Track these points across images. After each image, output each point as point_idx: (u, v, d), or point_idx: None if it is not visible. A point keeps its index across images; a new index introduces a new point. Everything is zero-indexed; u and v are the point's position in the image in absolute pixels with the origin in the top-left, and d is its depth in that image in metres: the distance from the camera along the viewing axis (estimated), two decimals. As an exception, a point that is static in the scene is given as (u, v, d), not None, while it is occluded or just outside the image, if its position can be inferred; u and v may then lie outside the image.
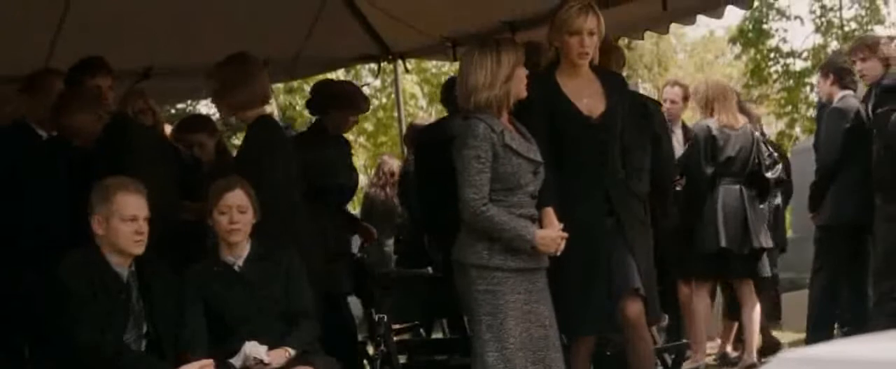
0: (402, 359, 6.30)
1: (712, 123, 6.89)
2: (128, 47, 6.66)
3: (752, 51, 17.05)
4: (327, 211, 6.28)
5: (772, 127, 18.59)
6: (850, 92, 7.07)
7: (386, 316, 5.99)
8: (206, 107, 17.43)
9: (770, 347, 7.37)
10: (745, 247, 6.88)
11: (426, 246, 7.21)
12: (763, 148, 7.15)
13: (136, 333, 4.66)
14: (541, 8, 6.67)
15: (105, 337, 4.52)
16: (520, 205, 4.64)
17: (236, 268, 4.86)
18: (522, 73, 4.70)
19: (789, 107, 16.85)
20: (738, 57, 18.25)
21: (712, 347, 7.64)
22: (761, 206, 7.12)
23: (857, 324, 6.88)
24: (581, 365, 4.99)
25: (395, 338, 6.27)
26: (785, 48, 16.83)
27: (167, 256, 4.88)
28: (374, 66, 8.46)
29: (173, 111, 15.51)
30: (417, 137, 6.43)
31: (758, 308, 7.14)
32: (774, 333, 9.18)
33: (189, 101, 15.07)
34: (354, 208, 9.47)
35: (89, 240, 4.64)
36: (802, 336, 7.60)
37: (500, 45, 4.74)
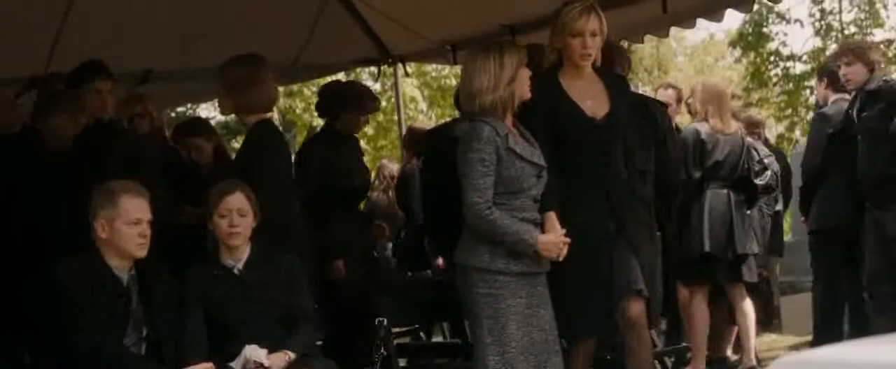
0: (402, 363, 6.30)
1: (703, 127, 6.85)
2: (128, 51, 6.66)
3: (752, 54, 17.08)
4: (343, 212, 6.32)
5: (772, 130, 18.61)
6: (844, 95, 7.07)
7: (385, 320, 5.99)
8: (206, 111, 17.45)
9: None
10: (729, 251, 6.86)
11: (426, 248, 7.22)
12: (754, 153, 7.14)
13: (136, 337, 4.65)
14: (541, 11, 6.68)
15: (105, 342, 4.51)
16: (523, 209, 4.64)
17: (236, 271, 4.86)
18: (526, 75, 4.69)
19: (789, 111, 16.87)
20: (738, 60, 18.28)
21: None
22: (748, 212, 7.10)
23: (856, 328, 6.87)
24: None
25: (395, 342, 6.28)
26: (785, 51, 16.85)
27: (166, 260, 4.88)
28: (374, 69, 8.47)
29: (173, 114, 15.53)
30: (426, 138, 6.44)
31: (751, 310, 7.14)
32: (774, 336, 9.18)
33: (189, 105, 15.06)
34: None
35: (90, 244, 4.64)
36: (803, 339, 7.61)
37: (502, 47, 4.74)
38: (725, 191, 6.89)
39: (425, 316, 6.94)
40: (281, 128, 6.43)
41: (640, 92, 15.94)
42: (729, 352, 7.59)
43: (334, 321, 6.26)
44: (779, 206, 7.74)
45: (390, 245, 8.63)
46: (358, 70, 14.34)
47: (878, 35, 16.38)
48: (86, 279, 4.55)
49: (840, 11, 16.29)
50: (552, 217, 4.69)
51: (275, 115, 20.51)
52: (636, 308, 4.87)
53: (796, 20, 16.69)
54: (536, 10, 6.70)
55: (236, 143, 14.10)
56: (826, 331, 6.95)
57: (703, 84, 7.31)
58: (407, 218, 7.66)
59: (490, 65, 4.64)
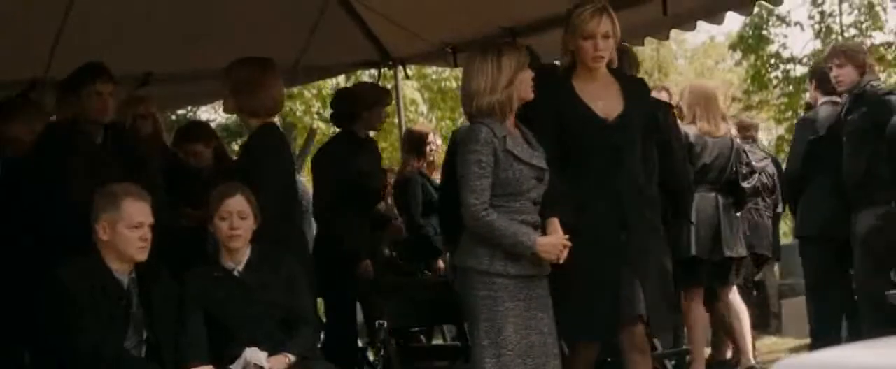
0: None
1: (691, 130, 6.84)
2: (128, 53, 6.66)
3: (753, 57, 17.08)
4: (362, 214, 6.35)
5: (772, 132, 18.61)
6: (833, 98, 7.05)
7: (386, 322, 5.99)
8: (207, 113, 17.47)
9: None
10: (715, 254, 6.85)
11: (435, 246, 7.27)
12: (743, 156, 7.13)
13: (137, 339, 4.66)
14: (541, 13, 6.69)
15: (105, 344, 4.52)
16: (522, 212, 4.63)
17: (236, 273, 4.87)
18: (526, 77, 4.67)
19: (789, 113, 16.87)
20: (738, 63, 18.28)
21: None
22: (737, 215, 7.10)
23: (853, 331, 6.87)
24: None
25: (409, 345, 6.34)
26: (785, 54, 16.86)
27: (166, 262, 4.88)
28: (374, 71, 8.46)
29: (174, 117, 15.54)
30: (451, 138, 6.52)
31: (744, 311, 7.14)
32: (774, 339, 9.19)
33: (189, 107, 15.08)
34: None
35: (92, 247, 4.65)
36: (803, 341, 7.62)
37: (501, 49, 4.72)
38: (713, 194, 6.88)
39: (426, 319, 6.94)
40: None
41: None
42: (729, 355, 7.59)
43: (339, 323, 6.30)
44: (779, 209, 7.75)
45: (386, 250, 8.63)
46: (358, 72, 14.34)
47: (878, 38, 16.40)
48: (86, 281, 4.56)
49: (840, 14, 16.30)
50: (555, 222, 4.67)
51: (276, 118, 20.55)
52: (639, 333, 4.82)
53: (796, 23, 16.71)
54: (537, 12, 6.70)
55: (236, 145, 14.09)
56: (822, 335, 6.95)
57: (690, 87, 7.31)
58: (407, 221, 7.65)
59: (487, 67, 4.64)
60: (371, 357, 6.74)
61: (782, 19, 16.77)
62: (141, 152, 5.80)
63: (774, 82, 16.92)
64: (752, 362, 7.17)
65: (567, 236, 4.62)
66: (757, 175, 7.29)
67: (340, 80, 18.06)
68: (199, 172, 6.26)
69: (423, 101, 16.26)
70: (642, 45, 7.65)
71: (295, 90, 17.41)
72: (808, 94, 8.09)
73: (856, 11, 16.66)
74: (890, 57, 15.86)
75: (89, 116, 5.46)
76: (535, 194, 4.66)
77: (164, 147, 6.55)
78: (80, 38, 6.64)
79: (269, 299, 4.84)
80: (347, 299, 6.46)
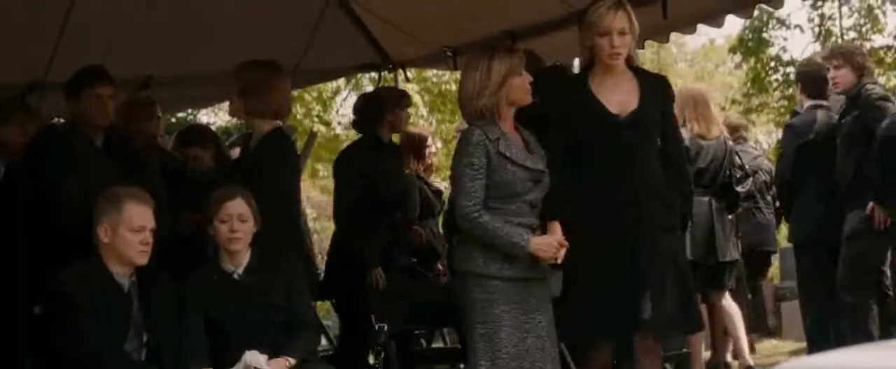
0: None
1: (683, 133, 6.84)
2: (128, 56, 6.66)
3: (753, 60, 17.05)
4: (381, 220, 6.38)
5: (772, 135, 18.59)
6: (818, 102, 7.04)
7: (386, 325, 5.98)
8: (207, 117, 17.46)
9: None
10: (710, 258, 6.85)
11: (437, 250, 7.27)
12: (736, 159, 7.12)
13: (137, 343, 4.66)
14: (542, 17, 6.69)
15: (106, 347, 4.52)
16: (518, 214, 4.63)
17: (236, 276, 4.87)
18: (519, 81, 4.66)
19: (789, 116, 16.81)
20: (738, 66, 18.25)
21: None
22: (729, 218, 7.10)
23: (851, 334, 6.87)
24: None
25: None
26: (785, 57, 16.83)
27: (166, 265, 4.88)
28: (374, 75, 8.46)
29: (174, 120, 15.52)
30: None
31: (738, 313, 7.14)
32: (774, 342, 9.19)
33: (190, 110, 15.07)
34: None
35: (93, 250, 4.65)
36: (803, 344, 7.61)
37: (493, 54, 4.72)
38: (707, 198, 6.88)
39: (426, 322, 6.93)
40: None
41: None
42: (728, 357, 7.60)
43: (348, 329, 6.30)
44: (778, 204, 7.75)
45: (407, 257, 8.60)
46: (358, 76, 14.33)
47: (878, 41, 16.38)
48: (87, 284, 4.57)
49: (840, 17, 16.28)
50: (555, 225, 4.65)
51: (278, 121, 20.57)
52: (649, 340, 4.77)
53: (796, 25, 16.68)
54: (537, 15, 6.70)
55: (236, 150, 14.09)
56: (818, 339, 6.95)
57: (680, 90, 7.30)
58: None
59: (477, 71, 4.66)
60: (371, 360, 6.73)
61: (782, 22, 16.74)
62: (141, 155, 5.80)
63: (774, 85, 16.89)
64: (750, 362, 7.17)
65: (572, 237, 4.59)
66: (750, 179, 7.28)
67: (341, 83, 18.10)
68: (200, 176, 6.26)
69: (423, 104, 16.25)
70: (642, 48, 7.63)
71: (295, 93, 17.39)
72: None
73: (855, 14, 16.64)
74: (889, 60, 15.85)
75: (89, 119, 5.46)
76: (531, 197, 4.66)
77: (162, 150, 6.56)
78: (80, 41, 6.64)
79: (268, 302, 4.85)
80: (356, 304, 6.49)
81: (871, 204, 6.51)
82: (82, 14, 6.58)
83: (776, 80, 17.00)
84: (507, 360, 4.60)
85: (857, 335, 6.49)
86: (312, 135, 20.85)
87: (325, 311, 8.26)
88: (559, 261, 4.61)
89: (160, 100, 6.76)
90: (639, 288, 4.63)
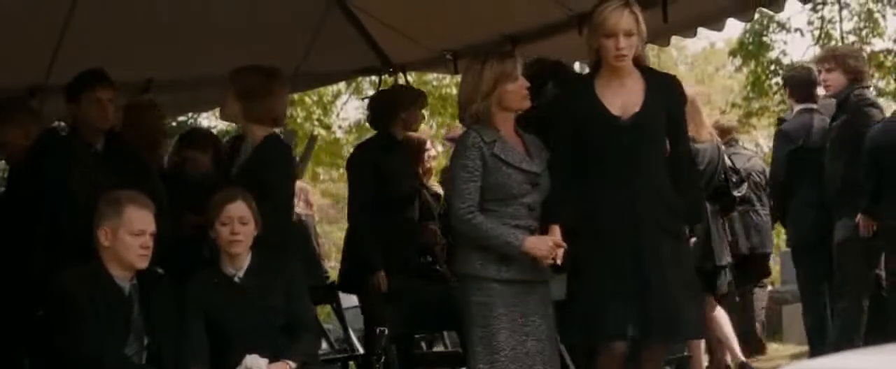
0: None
1: None
2: (129, 59, 6.67)
3: (753, 63, 17.06)
4: (392, 219, 6.39)
5: (772, 139, 18.58)
6: (807, 105, 7.03)
7: (386, 329, 5.99)
8: (207, 120, 17.46)
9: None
10: (707, 263, 6.84)
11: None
12: (730, 162, 7.11)
13: (138, 346, 4.66)
14: (541, 21, 6.69)
15: (106, 351, 4.52)
16: (515, 217, 4.63)
17: (237, 279, 4.86)
18: (512, 87, 4.66)
19: (777, 121, 16.80)
20: (738, 69, 18.26)
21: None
22: (721, 221, 7.09)
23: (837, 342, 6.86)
24: None
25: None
26: (785, 60, 16.83)
27: (165, 269, 4.89)
28: (374, 78, 8.46)
29: (174, 124, 15.52)
30: None
31: (724, 316, 7.14)
32: (776, 345, 9.17)
33: (190, 114, 15.08)
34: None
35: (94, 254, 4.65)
36: (805, 348, 7.61)
37: (485, 59, 4.73)
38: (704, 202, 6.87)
39: (427, 325, 6.93)
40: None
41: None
42: (728, 360, 7.59)
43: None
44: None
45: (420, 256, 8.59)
46: (359, 79, 14.31)
47: (878, 44, 16.39)
48: (87, 287, 4.57)
49: (840, 20, 16.29)
50: (555, 229, 4.63)
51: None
52: (652, 344, 4.73)
53: (796, 29, 16.69)
54: (537, 19, 6.71)
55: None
56: (818, 342, 6.95)
57: None
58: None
59: (471, 76, 4.71)
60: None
61: (782, 26, 16.75)
62: (142, 159, 5.80)
63: (774, 89, 16.89)
64: (742, 358, 7.18)
65: (575, 239, 4.58)
66: (745, 183, 7.28)
67: (341, 87, 18.10)
68: (201, 179, 6.26)
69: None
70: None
71: (295, 97, 17.37)
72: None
73: (855, 18, 16.65)
74: (889, 64, 15.85)
75: (90, 123, 5.46)
76: (529, 199, 4.66)
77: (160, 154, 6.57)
78: (80, 44, 6.64)
79: (269, 305, 4.85)
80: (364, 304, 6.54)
81: (859, 216, 6.50)
82: (83, 17, 6.58)
83: (776, 83, 16.99)
84: (506, 363, 4.60)
85: (848, 340, 6.50)
86: (313, 139, 20.88)
87: (326, 315, 8.24)
88: (558, 262, 4.59)
89: (160, 104, 6.76)
90: (640, 290, 4.59)
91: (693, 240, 6.57)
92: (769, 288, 10.25)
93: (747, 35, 16.90)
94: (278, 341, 4.79)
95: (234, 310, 4.80)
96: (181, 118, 16.09)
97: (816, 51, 16.45)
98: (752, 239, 8.14)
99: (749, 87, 17.38)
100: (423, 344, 7.56)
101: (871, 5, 16.51)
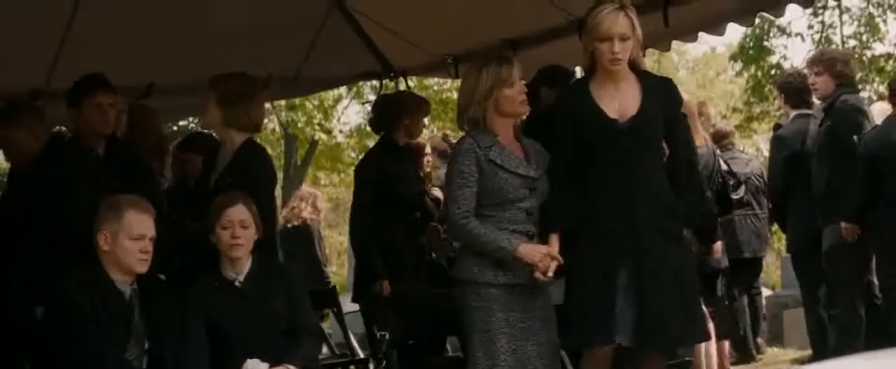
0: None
1: None
2: (130, 64, 6.67)
3: (753, 67, 17.08)
4: (399, 223, 6.42)
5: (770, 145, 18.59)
6: (802, 111, 7.02)
7: (387, 334, 5.99)
8: (208, 124, 17.49)
9: None
10: (705, 267, 6.84)
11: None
12: (725, 165, 7.12)
13: (139, 351, 4.66)
14: (542, 26, 6.69)
15: (106, 355, 4.52)
16: (513, 221, 4.62)
17: (238, 283, 4.86)
18: (510, 92, 4.65)
19: (773, 128, 16.81)
20: (739, 74, 18.28)
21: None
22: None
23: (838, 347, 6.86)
24: None
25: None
26: (786, 65, 16.86)
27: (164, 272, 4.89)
28: (375, 83, 8.47)
29: (175, 128, 15.55)
30: None
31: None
32: (776, 350, 9.16)
33: (191, 118, 15.08)
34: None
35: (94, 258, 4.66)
36: (806, 353, 7.62)
37: (481, 65, 4.73)
38: None
39: (428, 330, 6.93)
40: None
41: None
42: (728, 365, 7.59)
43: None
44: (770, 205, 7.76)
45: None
46: (360, 84, 14.30)
47: (878, 49, 16.42)
48: (88, 291, 4.57)
49: (840, 25, 16.31)
50: (554, 239, 4.61)
51: (276, 127, 20.60)
52: (652, 351, 4.70)
53: (797, 33, 16.72)
54: (538, 24, 6.71)
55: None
56: (820, 349, 6.95)
57: None
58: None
59: (468, 81, 4.72)
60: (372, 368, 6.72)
61: (783, 30, 16.78)
62: (143, 163, 5.80)
63: (775, 93, 16.91)
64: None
65: (573, 243, 4.56)
66: (743, 186, 7.28)
67: (342, 92, 18.12)
68: (200, 184, 6.25)
69: (424, 112, 16.27)
70: (643, 56, 7.63)
71: (296, 101, 17.39)
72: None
73: (856, 22, 16.67)
74: (889, 68, 15.87)
75: (91, 128, 5.47)
76: (527, 204, 4.65)
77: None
78: (81, 49, 6.65)
79: (270, 309, 4.84)
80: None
81: (843, 223, 6.49)
82: (84, 22, 6.59)
83: (777, 87, 17.00)
84: (505, 368, 4.59)
85: (847, 345, 6.49)
86: (314, 144, 20.88)
87: (328, 321, 8.25)
88: (549, 274, 4.54)
89: (161, 109, 6.77)
90: (635, 297, 4.54)
91: (718, 243, 6.62)
92: (769, 292, 10.26)
93: (748, 39, 16.93)
94: (279, 345, 4.79)
95: (234, 315, 4.80)
96: (182, 123, 16.11)
97: (817, 55, 16.44)
98: (753, 244, 8.16)
99: (750, 92, 17.40)
100: (425, 350, 7.55)
101: (872, 10, 16.53)
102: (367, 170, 6.55)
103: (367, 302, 6.49)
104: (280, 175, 22.51)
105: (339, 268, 18.86)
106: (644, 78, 4.74)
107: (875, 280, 6.79)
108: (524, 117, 4.99)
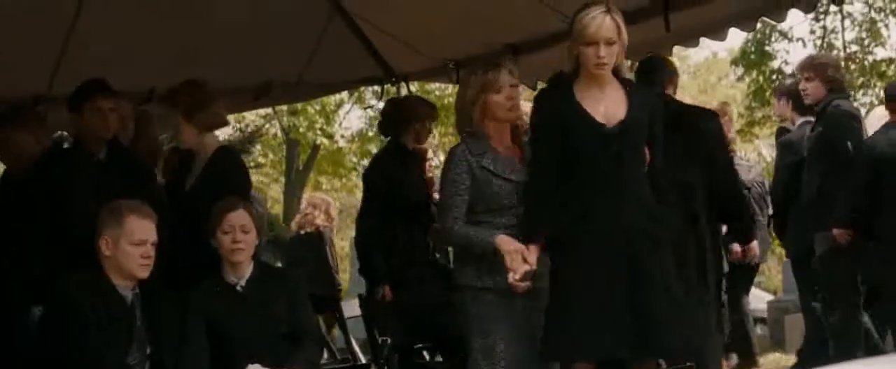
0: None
1: None
2: (131, 69, 6.68)
3: (755, 72, 17.07)
4: (406, 228, 6.44)
5: (774, 149, 18.59)
6: (808, 118, 7.00)
7: (389, 339, 5.99)
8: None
9: None
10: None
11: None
12: None
13: (141, 355, 4.66)
14: (544, 30, 6.69)
15: (106, 357, 4.52)
16: (508, 227, 4.61)
17: (239, 288, 4.87)
18: (498, 98, 4.64)
19: (776, 133, 16.79)
20: (740, 78, 18.27)
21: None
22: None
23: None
24: None
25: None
26: (787, 70, 16.84)
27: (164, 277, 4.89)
28: (377, 88, 8.48)
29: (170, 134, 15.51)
30: None
31: None
32: (778, 355, 9.15)
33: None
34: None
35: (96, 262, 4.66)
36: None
37: (473, 71, 4.78)
38: None
39: (430, 335, 6.92)
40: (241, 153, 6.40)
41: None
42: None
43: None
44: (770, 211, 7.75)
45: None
46: (361, 89, 14.29)
47: (880, 53, 16.40)
48: (90, 295, 4.57)
49: (842, 30, 16.30)
50: (533, 250, 4.52)
51: (278, 132, 20.58)
52: (645, 363, 4.66)
53: (798, 38, 16.69)
54: (539, 29, 6.71)
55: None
56: (817, 355, 6.95)
57: None
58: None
59: (461, 87, 4.79)
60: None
61: (784, 35, 16.76)
62: (144, 168, 5.81)
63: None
64: None
65: (556, 250, 4.54)
66: (747, 191, 7.28)
67: (343, 97, 18.12)
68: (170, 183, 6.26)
69: (426, 117, 16.27)
70: (638, 61, 7.64)
71: (298, 106, 17.37)
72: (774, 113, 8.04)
73: (858, 27, 16.65)
74: (891, 73, 15.85)
75: (92, 133, 5.48)
76: (521, 210, 4.66)
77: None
78: (83, 54, 6.65)
79: (271, 314, 4.85)
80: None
81: (834, 229, 6.48)
82: (85, 27, 6.60)
83: (779, 92, 16.99)
84: (505, 372, 4.60)
85: (846, 352, 6.49)
86: (316, 149, 20.86)
87: (330, 324, 8.25)
88: (516, 276, 4.46)
89: (162, 114, 6.77)
90: (626, 308, 4.45)
91: (755, 242, 6.61)
92: (771, 297, 10.26)
93: (749, 44, 16.91)
94: (280, 349, 4.80)
95: (236, 319, 4.81)
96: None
97: (818, 60, 16.42)
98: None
99: (751, 97, 17.38)
100: (426, 354, 7.55)
101: (874, 15, 16.52)
102: (374, 174, 6.59)
103: (369, 307, 6.50)
104: (282, 180, 22.54)
105: (342, 273, 18.85)
106: (627, 84, 4.72)
107: (862, 288, 6.78)
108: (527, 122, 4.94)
